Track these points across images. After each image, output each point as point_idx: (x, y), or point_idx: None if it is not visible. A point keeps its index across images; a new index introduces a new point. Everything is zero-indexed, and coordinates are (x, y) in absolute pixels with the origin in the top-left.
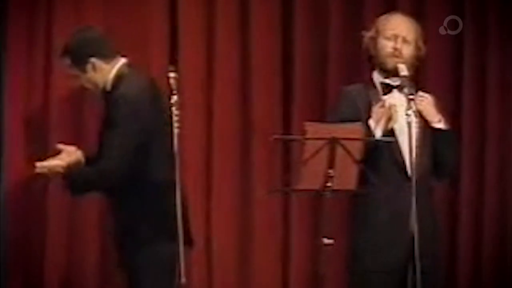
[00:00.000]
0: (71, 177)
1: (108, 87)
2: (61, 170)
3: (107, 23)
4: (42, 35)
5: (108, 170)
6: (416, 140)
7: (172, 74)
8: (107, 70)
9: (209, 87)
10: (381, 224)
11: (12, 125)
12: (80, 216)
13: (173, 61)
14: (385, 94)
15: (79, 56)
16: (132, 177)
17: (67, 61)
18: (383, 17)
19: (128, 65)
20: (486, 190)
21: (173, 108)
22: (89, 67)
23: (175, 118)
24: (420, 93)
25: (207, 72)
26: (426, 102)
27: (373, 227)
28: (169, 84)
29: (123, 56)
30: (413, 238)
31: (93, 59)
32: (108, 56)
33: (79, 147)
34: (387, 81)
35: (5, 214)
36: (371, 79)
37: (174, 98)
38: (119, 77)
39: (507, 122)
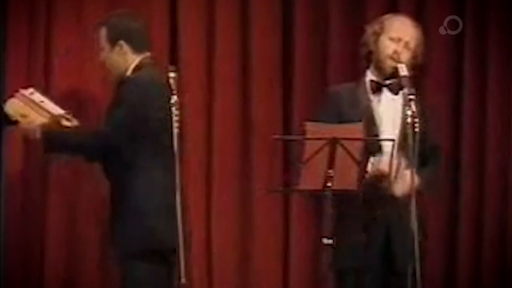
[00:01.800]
0: (55, 131)
1: (125, 77)
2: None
3: None
4: (42, 35)
5: (103, 132)
6: (398, 143)
7: (172, 74)
8: (130, 59)
9: (209, 87)
10: (357, 225)
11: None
12: (80, 215)
13: (173, 61)
14: (373, 92)
15: (113, 32)
16: (132, 154)
17: (103, 31)
18: (389, 16)
19: (149, 58)
20: (486, 190)
21: (173, 108)
22: (117, 47)
23: (175, 118)
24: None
25: (207, 72)
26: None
27: (348, 226)
28: (169, 84)
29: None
30: (388, 238)
31: (122, 42)
32: (137, 47)
33: None
34: (377, 79)
35: (4, 213)
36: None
37: (174, 98)
38: (137, 69)
39: (507, 122)
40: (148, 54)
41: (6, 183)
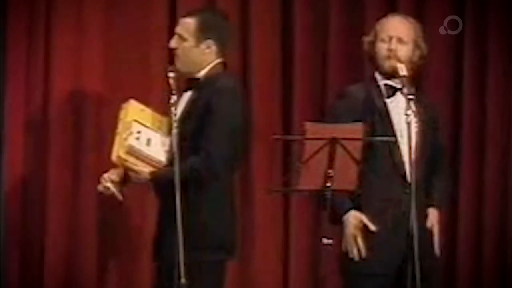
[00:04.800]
0: (162, 176)
1: (201, 76)
2: (148, 176)
3: (107, 23)
4: (42, 35)
5: (212, 162)
6: (416, 144)
7: (172, 74)
8: (210, 60)
9: None
10: (377, 226)
11: (12, 125)
12: (80, 217)
13: (173, 61)
14: (389, 97)
15: (204, 29)
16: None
17: (191, 21)
18: (381, 20)
19: (224, 64)
20: (486, 190)
21: (173, 108)
22: (203, 45)
23: (175, 118)
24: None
25: None
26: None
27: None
28: (169, 84)
29: None
30: (409, 241)
31: (210, 42)
32: (222, 49)
33: (78, 147)
34: (391, 83)
35: (4, 214)
36: (374, 78)
37: (174, 98)
38: (213, 71)
39: (507, 122)
40: (221, 59)
41: (6, 183)
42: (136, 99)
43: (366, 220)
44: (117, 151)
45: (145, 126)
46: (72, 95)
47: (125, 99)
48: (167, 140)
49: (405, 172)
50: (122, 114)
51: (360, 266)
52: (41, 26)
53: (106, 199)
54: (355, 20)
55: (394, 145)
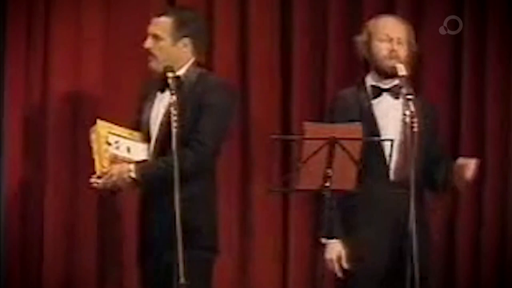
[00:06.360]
0: (149, 170)
1: (180, 74)
2: (132, 175)
3: (106, 23)
4: (41, 35)
5: (204, 154)
6: (401, 144)
7: (171, 74)
8: (186, 58)
9: None
10: (365, 227)
11: (11, 125)
12: (78, 216)
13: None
14: (375, 97)
15: (181, 27)
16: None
17: (167, 20)
18: (373, 20)
19: (200, 65)
20: (486, 190)
21: (173, 108)
22: (180, 43)
23: (174, 118)
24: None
25: None
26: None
27: (356, 230)
28: (168, 84)
29: None
30: (399, 242)
31: (187, 40)
32: (198, 48)
33: (77, 147)
34: (377, 84)
35: (4, 214)
36: (362, 81)
37: (174, 98)
38: (191, 70)
39: (506, 122)
40: (196, 58)
41: (5, 183)
42: (136, 99)
43: (343, 256)
44: (100, 164)
45: (121, 136)
46: (71, 95)
47: (125, 99)
48: (145, 147)
49: (388, 173)
50: (93, 136)
51: (356, 267)
52: (40, 25)
53: (105, 199)
54: (354, 20)
55: (379, 146)
